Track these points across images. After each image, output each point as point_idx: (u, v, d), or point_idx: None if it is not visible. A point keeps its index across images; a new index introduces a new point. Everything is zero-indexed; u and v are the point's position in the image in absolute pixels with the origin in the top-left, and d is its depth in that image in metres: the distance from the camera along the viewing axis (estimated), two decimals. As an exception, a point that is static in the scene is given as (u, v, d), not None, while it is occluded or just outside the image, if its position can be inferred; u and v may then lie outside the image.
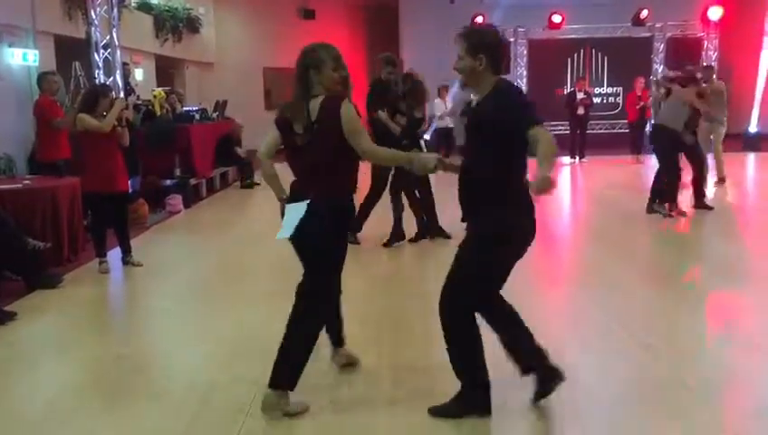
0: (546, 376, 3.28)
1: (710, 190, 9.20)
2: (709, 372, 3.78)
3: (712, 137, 10.07)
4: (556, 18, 16.44)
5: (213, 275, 6.30)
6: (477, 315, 3.24)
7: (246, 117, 13.99)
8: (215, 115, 12.82)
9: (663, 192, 8.05)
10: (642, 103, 14.05)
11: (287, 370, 3.29)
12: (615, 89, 17.34)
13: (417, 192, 6.98)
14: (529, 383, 3.30)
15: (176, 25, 14.69)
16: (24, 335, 4.71)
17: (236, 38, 17.53)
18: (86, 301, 5.58)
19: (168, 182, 9.94)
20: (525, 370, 3.32)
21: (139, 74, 13.17)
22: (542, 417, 3.28)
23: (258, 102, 18.17)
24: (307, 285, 3.42)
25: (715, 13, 16.53)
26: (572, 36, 16.75)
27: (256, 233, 7.62)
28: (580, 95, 14.35)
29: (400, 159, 3.61)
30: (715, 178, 10.13)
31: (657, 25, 16.70)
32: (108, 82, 9.60)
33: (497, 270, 3.21)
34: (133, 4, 13.19)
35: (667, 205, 8.00)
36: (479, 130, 3.22)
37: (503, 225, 3.12)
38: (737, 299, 5.25)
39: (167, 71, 15.19)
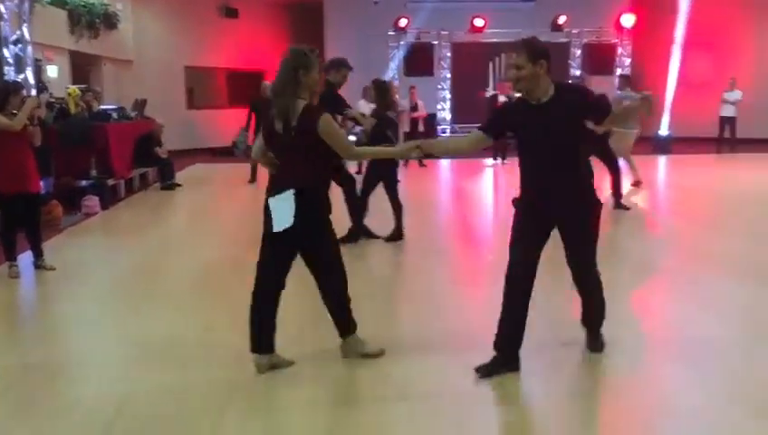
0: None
1: (626, 192, 9.54)
2: (615, 370, 3.92)
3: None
4: (478, 22, 16.77)
5: (130, 279, 6.12)
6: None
7: (168, 116, 13.67)
8: (133, 114, 12.49)
9: None
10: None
11: (349, 315, 3.85)
12: (535, 92, 17.76)
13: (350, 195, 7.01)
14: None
15: (92, 21, 14.18)
16: (-75, 345, 4.45)
17: (156, 35, 17.09)
18: (-6, 307, 5.33)
19: (84, 183, 9.62)
20: None
21: (52, 71, 12.67)
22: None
23: (180, 102, 17.80)
24: (326, 257, 3.74)
25: (628, 20, 17.21)
26: (494, 40, 17.09)
27: (176, 235, 7.48)
28: (501, 98, 14.63)
29: (385, 153, 4.71)
30: (631, 181, 10.50)
31: (575, 31, 17.25)
32: (19, 79, 9.22)
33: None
34: (46, -1, 12.68)
35: None
36: (562, 126, 3.56)
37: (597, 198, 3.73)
38: (646, 295, 5.47)
39: (83, 68, 14.66)
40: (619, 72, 17.44)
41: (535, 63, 3.50)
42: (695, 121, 17.67)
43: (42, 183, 6.49)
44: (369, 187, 7.09)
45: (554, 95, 3.57)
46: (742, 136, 16.61)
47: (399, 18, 16.51)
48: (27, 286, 5.98)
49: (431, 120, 16.55)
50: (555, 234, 3.71)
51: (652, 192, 10.90)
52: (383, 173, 7.01)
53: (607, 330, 4.01)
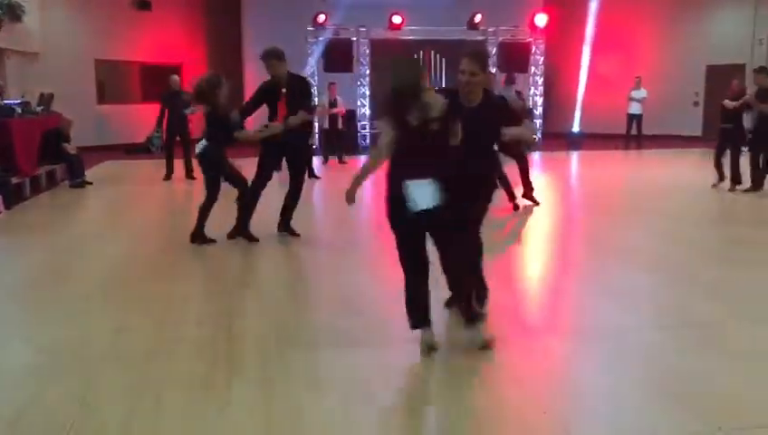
0: None
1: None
2: (528, 356, 4.03)
3: None
4: (396, 19, 16.86)
5: (34, 282, 5.80)
6: None
7: (77, 111, 13.17)
8: (39, 109, 11.95)
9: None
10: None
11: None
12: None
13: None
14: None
15: (-6, 12, 13.49)
16: None
17: (65, 27, 16.40)
18: None
19: (-14, 181, 9.14)
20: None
21: (-50, 63, 12.00)
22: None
23: (90, 96, 17.18)
24: (458, 238, 3.95)
25: (541, 20, 17.68)
26: (413, 37, 17.21)
27: (85, 235, 7.18)
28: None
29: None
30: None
31: (491, 30, 17.55)
32: None
33: None
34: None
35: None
36: (485, 129, 3.99)
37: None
38: (556, 285, 5.64)
39: (-17, 61, 13.94)
40: (533, 70, 17.94)
41: (485, 71, 4.01)
42: (604, 119, 18.38)
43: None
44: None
45: (483, 101, 4.05)
46: (648, 132, 17.38)
47: (318, 14, 16.42)
48: None
49: (351, 116, 16.54)
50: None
51: (563, 187, 11.25)
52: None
53: (516, 319, 4.10)
